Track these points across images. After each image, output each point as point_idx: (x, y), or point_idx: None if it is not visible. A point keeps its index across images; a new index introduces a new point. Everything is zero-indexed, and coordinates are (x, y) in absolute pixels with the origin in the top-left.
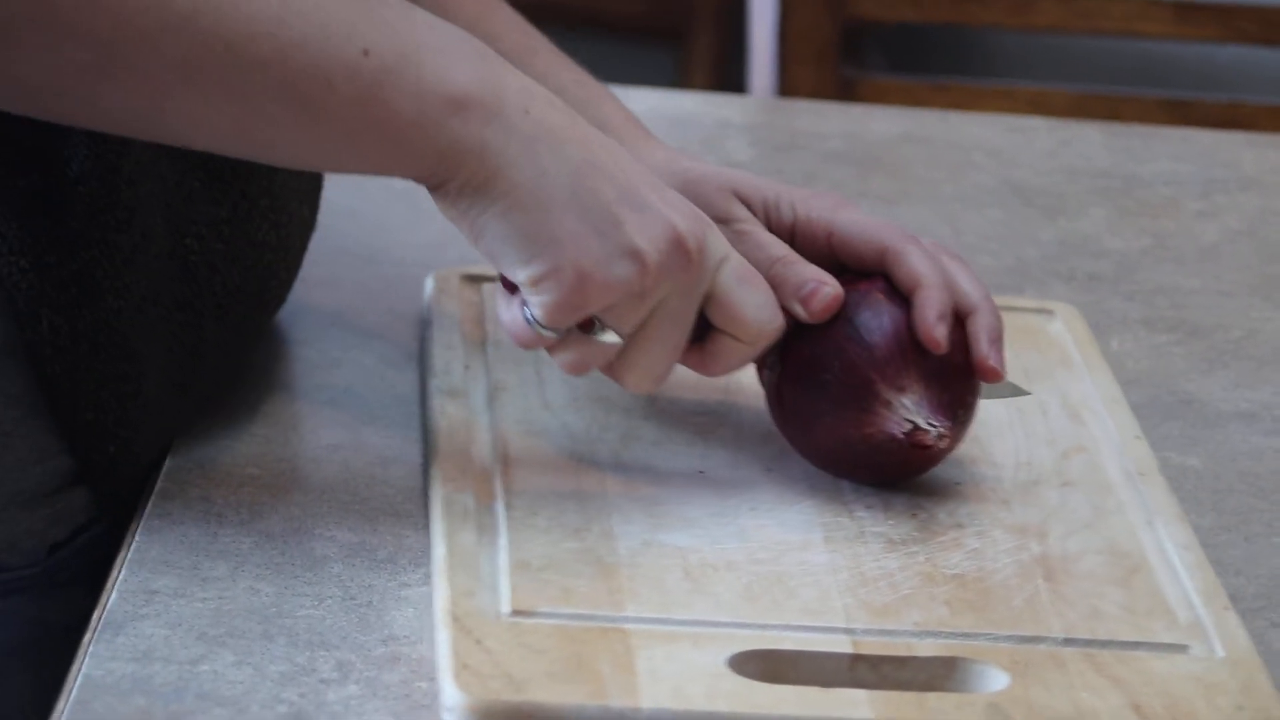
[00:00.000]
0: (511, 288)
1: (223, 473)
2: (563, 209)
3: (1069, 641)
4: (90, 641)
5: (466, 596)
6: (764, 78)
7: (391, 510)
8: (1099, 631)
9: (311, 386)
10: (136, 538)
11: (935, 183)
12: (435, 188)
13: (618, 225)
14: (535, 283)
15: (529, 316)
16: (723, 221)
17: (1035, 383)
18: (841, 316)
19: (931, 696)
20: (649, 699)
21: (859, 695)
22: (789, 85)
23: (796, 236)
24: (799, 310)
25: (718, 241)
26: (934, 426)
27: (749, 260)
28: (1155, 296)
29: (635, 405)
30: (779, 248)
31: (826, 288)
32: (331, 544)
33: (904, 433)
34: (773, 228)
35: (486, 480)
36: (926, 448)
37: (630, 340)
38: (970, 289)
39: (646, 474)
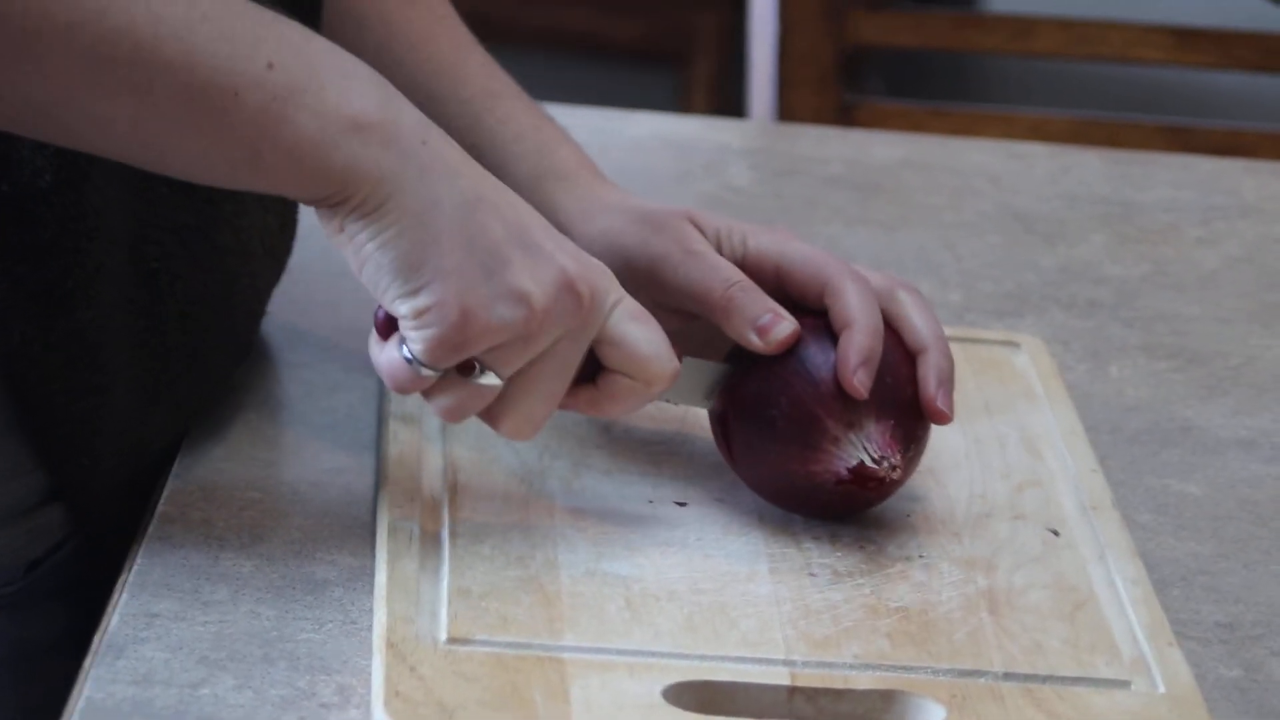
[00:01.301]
0: (386, 330)
1: (224, 496)
2: (451, 242)
3: (1009, 676)
4: (91, 665)
5: (404, 623)
6: (764, 102)
7: None
8: (1040, 666)
9: (313, 409)
10: (138, 560)
11: (935, 208)
12: (326, 210)
13: (506, 265)
14: (418, 315)
15: (408, 355)
16: (675, 243)
17: (996, 415)
18: (789, 350)
19: None
20: None
21: None
22: (789, 110)
23: (747, 269)
24: (754, 340)
25: (610, 286)
26: (884, 459)
27: (703, 284)
28: (1155, 323)
29: (589, 434)
30: (734, 272)
31: (784, 322)
32: (333, 568)
33: (849, 469)
34: (725, 254)
35: (434, 508)
36: (878, 480)
37: (510, 384)
38: (921, 326)
39: (595, 503)
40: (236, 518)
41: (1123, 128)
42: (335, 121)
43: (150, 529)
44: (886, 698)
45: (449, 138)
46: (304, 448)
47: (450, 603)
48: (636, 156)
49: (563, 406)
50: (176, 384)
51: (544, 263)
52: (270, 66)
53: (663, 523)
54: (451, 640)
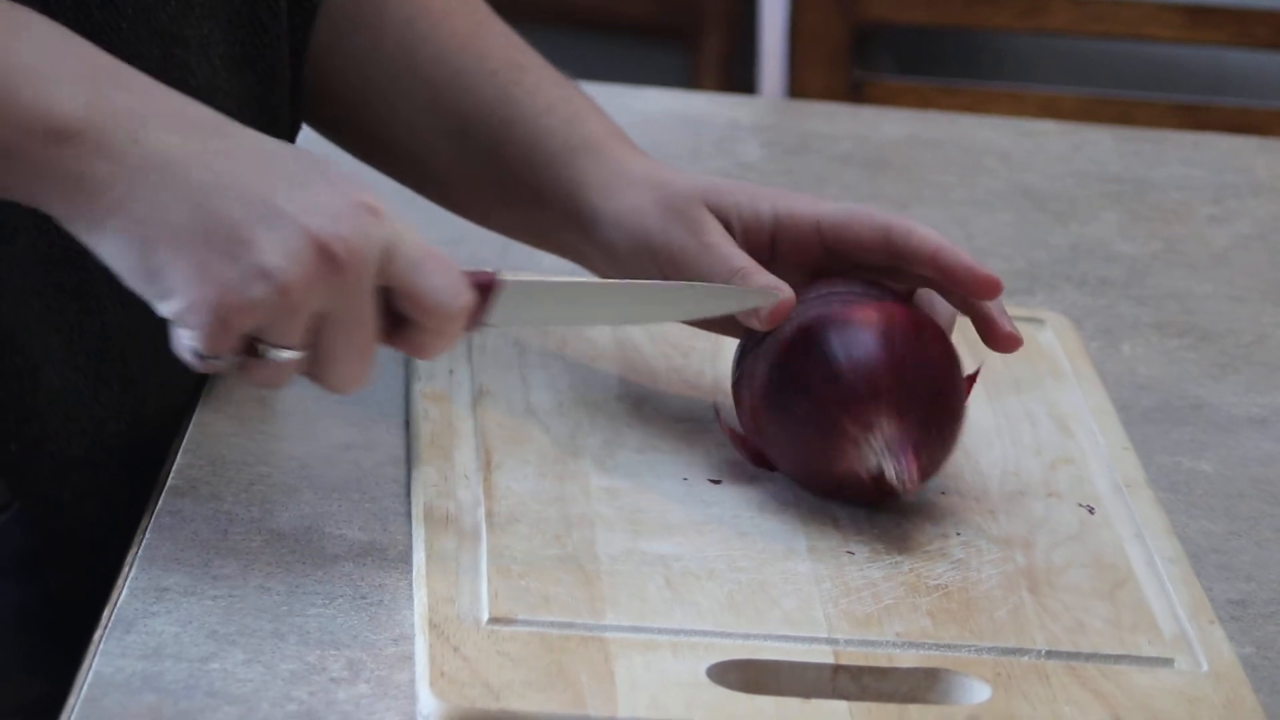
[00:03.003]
0: None
1: (233, 470)
2: (186, 240)
3: (1052, 654)
4: (101, 638)
5: (445, 603)
6: (774, 79)
7: (403, 510)
8: (1082, 644)
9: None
10: (147, 535)
11: (946, 186)
12: (56, 216)
13: (247, 246)
14: (176, 317)
15: (189, 348)
16: (691, 234)
17: (1025, 392)
18: (812, 340)
19: (913, 708)
20: (627, 708)
21: (839, 706)
22: (799, 87)
23: (780, 232)
24: (753, 320)
25: (378, 233)
26: (899, 472)
27: (709, 274)
28: (1167, 301)
29: (620, 411)
30: (739, 259)
31: (777, 295)
32: (342, 543)
33: (868, 473)
34: (750, 229)
35: (468, 486)
36: (892, 490)
37: (314, 348)
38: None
39: (630, 481)
40: (246, 492)
41: (1135, 105)
42: (29, 131)
43: (159, 503)
44: (930, 676)
45: (185, 110)
46: (314, 422)
47: (490, 582)
48: (648, 132)
49: (390, 346)
50: (125, 361)
51: (288, 232)
52: None
53: (698, 500)
54: (494, 620)
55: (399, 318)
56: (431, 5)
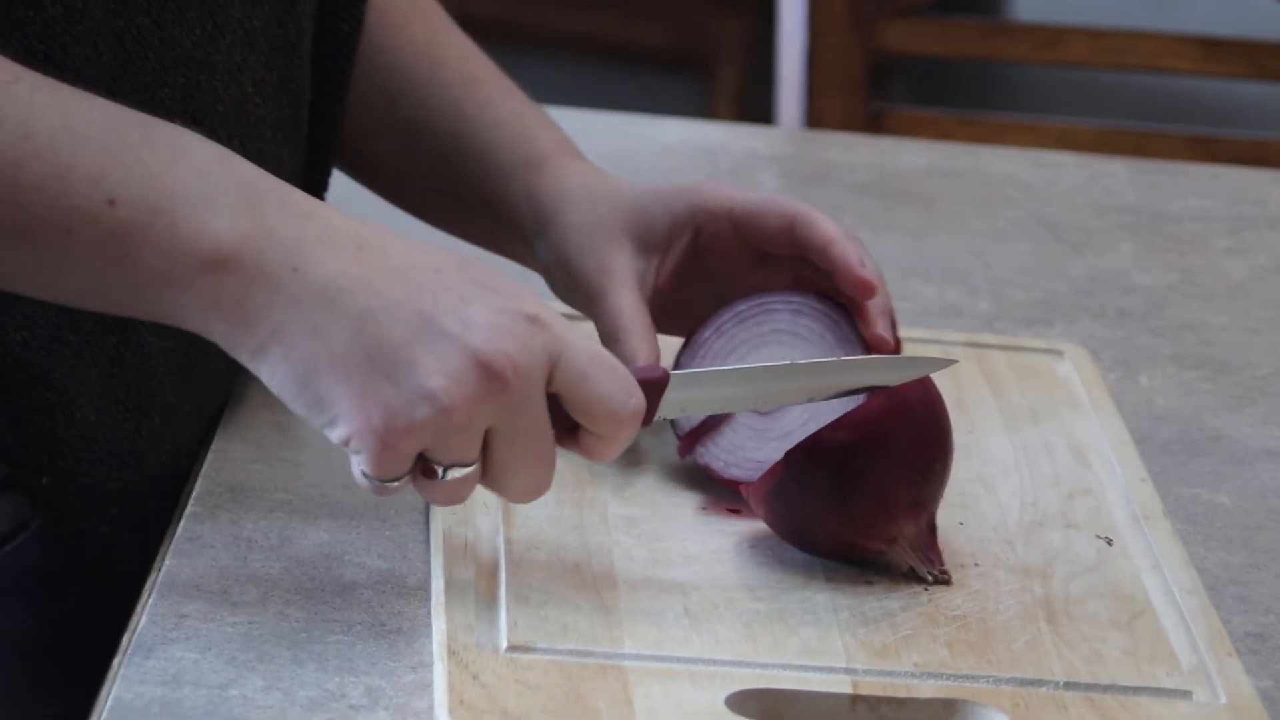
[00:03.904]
0: None
1: (253, 498)
2: (347, 366)
3: (1070, 685)
4: (120, 664)
5: (464, 631)
6: (791, 109)
7: (422, 538)
8: (1101, 675)
9: None
10: (167, 561)
11: (964, 216)
12: (219, 343)
13: (410, 368)
14: (344, 443)
15: (362, 473)
16: (597, 273)
17: (1042, 423)
18: (818, 472)
19: None
20: None
21: None
22: (816, 117)
23: (700, 227)
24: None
25: (542, 344)
26: (930, 571)
27: (601, 320)
28: (1183, 333)
29: (639, 439)
30: (620, 319)
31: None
32: (361, 570)
33: (903, 570)
34: (674, 233)
35: (487, 514)
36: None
37: (490, 461)
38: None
39: (648, 510)
40: (265, 519)
41: (1150, 137)
42: (186, 261)
43: (179, 530)
44: (949, 706)
45: (344, 230)
46: (333, 450)
47: (509, 610)
48: (665, 162)
49: (567, 449)
50: (165, 392)
51: (451, 351)
52: (111, 203)
53: (716, 529)
54: (512, 648)
55: (572, 422)
56: (390, 13)
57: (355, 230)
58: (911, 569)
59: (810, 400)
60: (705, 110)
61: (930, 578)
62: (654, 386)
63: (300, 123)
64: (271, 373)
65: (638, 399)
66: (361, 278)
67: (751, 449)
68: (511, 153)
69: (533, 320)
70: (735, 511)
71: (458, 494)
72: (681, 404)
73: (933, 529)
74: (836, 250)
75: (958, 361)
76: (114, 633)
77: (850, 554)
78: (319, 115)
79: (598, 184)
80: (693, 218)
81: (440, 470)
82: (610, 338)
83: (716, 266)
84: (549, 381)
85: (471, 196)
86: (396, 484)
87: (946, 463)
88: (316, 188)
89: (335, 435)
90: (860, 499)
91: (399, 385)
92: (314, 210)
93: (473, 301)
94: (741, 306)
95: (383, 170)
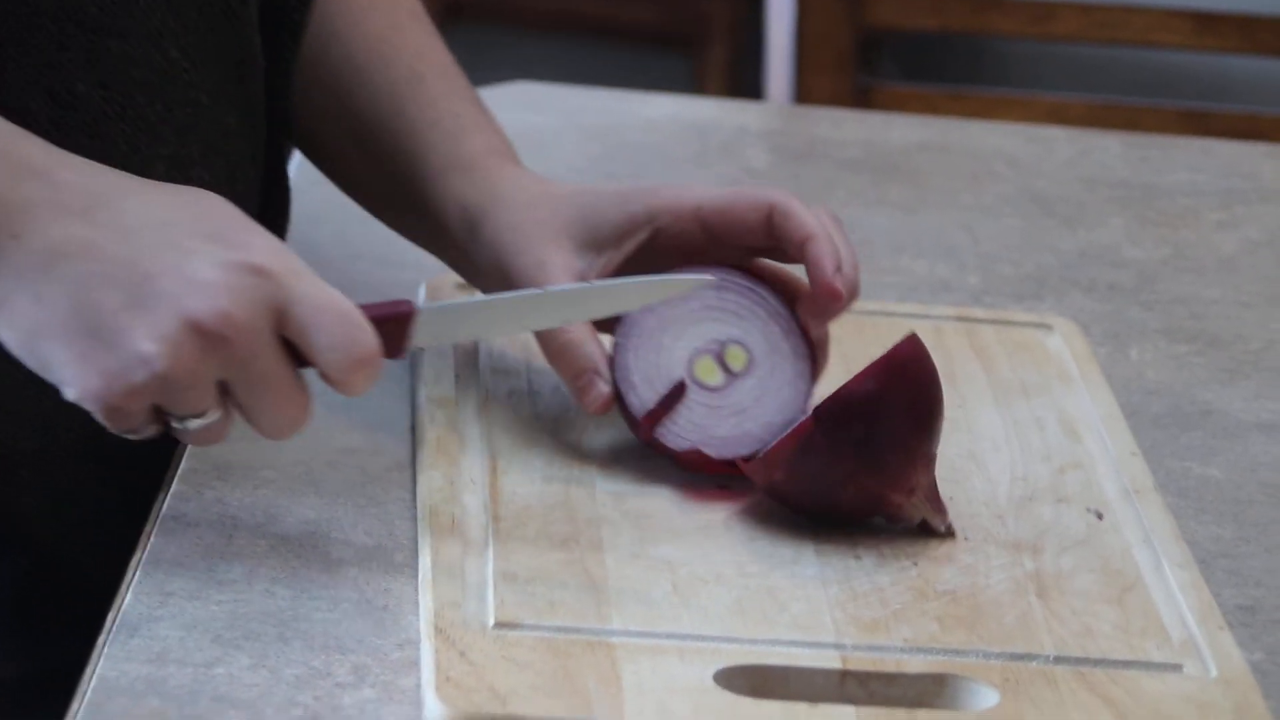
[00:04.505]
0: None
1: (238, 475)
2: (68, 333)
3: (1060, 659)
4: (105, 643)
5: (451, 608)
6: (780, 85)
7: (409, 515)
8: (1091, 650)
9: (328, 389)
10: (151, 539)
11: (954, 191)
12: None
13: (126, 334)
14: (79, 402)
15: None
16: (540, 278)
17: (1033, 398)
18: (853, 424)
19: (921, 713)
20: (634, 713)
21: (847, 712)
22: (805, 93)
23: (659, 227)
24: (583, 402)
25: (268, 292)
26: (942, 522)
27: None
28: (1174, 307)
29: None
30: (569, 332)
31: (599, 387)
32: (348, 548)
33: (917, 524)
34: (625, 234)
35: (475, 491)
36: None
37: (239, 404)
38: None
39: (636, 486)
40: (251, 496)
41: (1142, 112)
42: None
43: (164, 508)
44: (938, 681)
45: (72, 190)
46: (318, 427)
47: (496, 587)
48: (652, 138)
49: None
50: None
51: (166, 314)
52: None
53: (705, 505)
54: (500, 625)
55: None
56: (353, 2)
57: (88, 187)
58: (924, 522)
59: (567, 322)
60: (695, 87)
61: (943, 529)
62: (400, 320)
63: (252, 91)
64: (4, 335)
65: (364, 345)
66: (85, 241)
67: (712, 426)
68: (442, 156)
69: (257, 271)
70: (724, 488)
71: (209, 438)
72: (435, 334)
73: (939, 500)
74: (812, 249)
75: (712, 280)
76: (61, 600)
77: (872, 510)
78: (272, 89)
79: (533, 186)
80: (652, 219)
81: (174, 421)
82: (549, 337)
83: (675, 265)
84: (278, 330)
85: (411, 199)
86: (137, 435)
87: (942, 414)
88: (278, 160)
89: (67, 395)
90: (889, 448)
91: (115, 351)
92: (49, 168)
93: (196, 256)
94: (725, 274)
95: (340, 166)
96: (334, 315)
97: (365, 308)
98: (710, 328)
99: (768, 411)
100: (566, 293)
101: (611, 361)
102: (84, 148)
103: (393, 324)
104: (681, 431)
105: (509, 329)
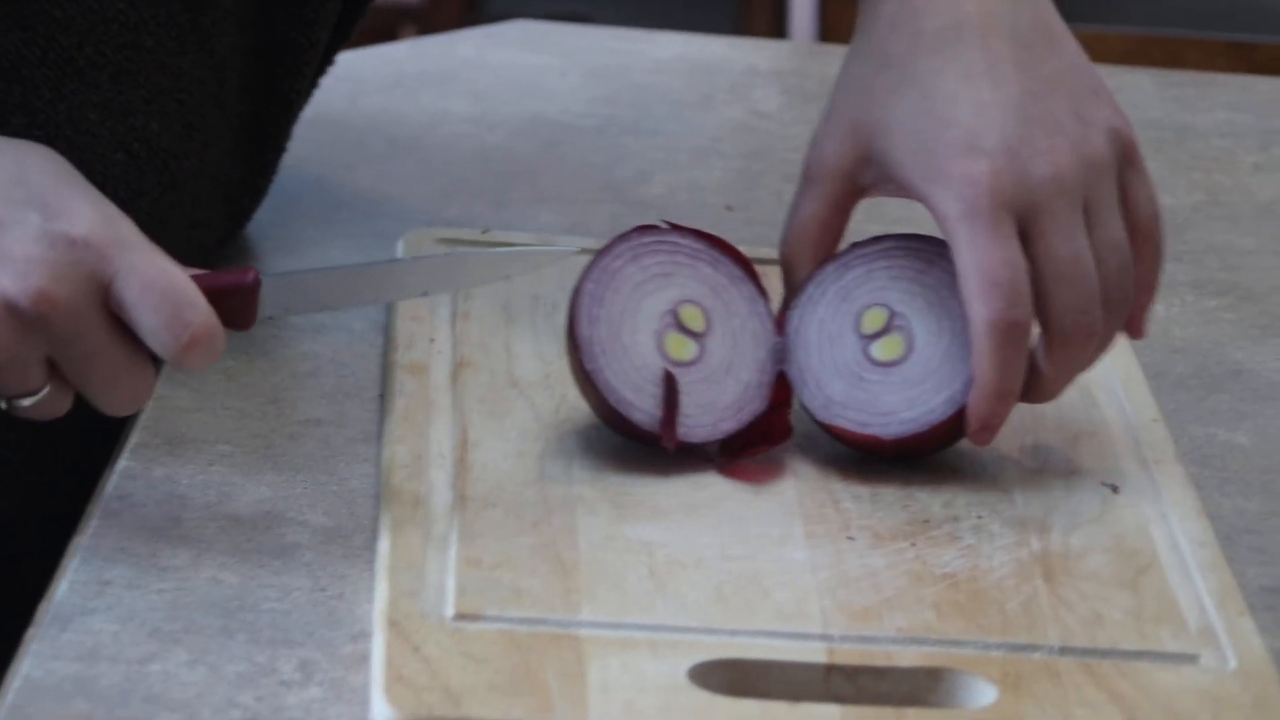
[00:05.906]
0: None
1: (191, 450)
2: None
3: (1066, 650)
4: (33, 638)
5: (408, 597)
6: (805, 19)
7: (373, 492)
8: (1100, 639)
9: (294, 355)
10: (94, 522)
11: None
12: None
13: None
14: None
15: None
16: None
17: None
18: None
19: (911, 712)
20: (599, 714)
21: (831, 711)
22: (831, 29)
23: (885, 191)
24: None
25: (89, 268)
26: None
27: None
28: (1206, 257)
29: None
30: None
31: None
32: (304, 530)
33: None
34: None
35: (443, 465)
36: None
37: (73, 381)
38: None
39: (616, 459)
40: (203, 474)
41: (1185, 44)
42: None
43: (109, 486)
44: (932, 675)
45: None
46: (282, 396)
47: (458, 575)
48: (658, 79)
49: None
50: None
51: None
52: None
53: (689, 482)
54: (459, 616)
55: None
56: None
57: None
58: None
59: (425, 294)
60: (742, 26)
61: None
62: (245, 291)
63: (216, 29)
64: None
65: (194, 325)
66: None
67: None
68: None
69: (79, 243)
70: (709, 461)
71: (45, 413)
72: (286, 303)
73: None
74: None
75: (578, 251)
76: None
77: None
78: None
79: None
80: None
81: (8, 400)
82: None
83: None
84: (104, 303)
85: None
86: None
87: None
88: (285, 101)
89: None
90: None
91: None
92: None
93: (11, 228)
94: (631, 243)
95: None
96: (160, 292)
97: (205, 277)
98: (652, 302)
99: (745, 367)
100: (425, 261)
101: (600, 398)
102: (1, 94)
103: (237, 295)
104: (698, 420)
105: (366, 299)
